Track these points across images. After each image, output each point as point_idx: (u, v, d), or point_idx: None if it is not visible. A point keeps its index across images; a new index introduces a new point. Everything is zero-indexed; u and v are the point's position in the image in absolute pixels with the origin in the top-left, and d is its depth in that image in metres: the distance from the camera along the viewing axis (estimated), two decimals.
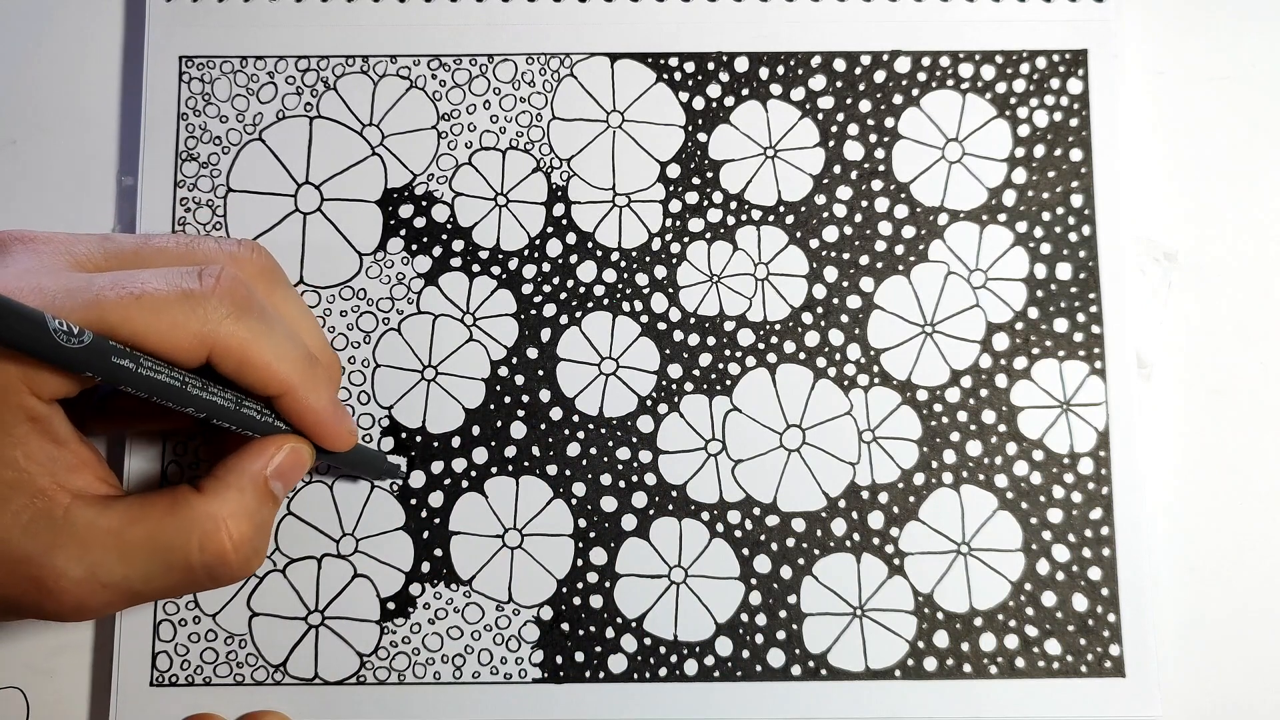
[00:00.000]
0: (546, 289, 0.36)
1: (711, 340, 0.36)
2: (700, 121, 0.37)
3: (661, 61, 0.37)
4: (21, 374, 0.27)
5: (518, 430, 0.36)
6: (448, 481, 0.36)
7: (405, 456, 0.36)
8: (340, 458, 0.33)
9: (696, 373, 0.36)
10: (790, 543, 0.35)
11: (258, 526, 0.30)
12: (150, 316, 0.27)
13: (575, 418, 0.36)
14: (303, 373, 0.30)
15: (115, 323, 0.27)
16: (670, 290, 0.36)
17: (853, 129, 0.37)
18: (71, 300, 0.27)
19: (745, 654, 0.35)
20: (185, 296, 0.28)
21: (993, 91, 0.37)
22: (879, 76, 0.37)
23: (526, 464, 0.36)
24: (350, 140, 0.37)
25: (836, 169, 0.37)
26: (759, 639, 0.35)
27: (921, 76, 0.37)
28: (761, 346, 0.36)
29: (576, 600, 0.35)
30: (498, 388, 0.36)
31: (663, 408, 0.36)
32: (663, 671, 0.35)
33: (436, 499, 0.35)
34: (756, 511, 0.35)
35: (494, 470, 0.36)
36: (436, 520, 0.35)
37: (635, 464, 0.36)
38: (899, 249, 0.37)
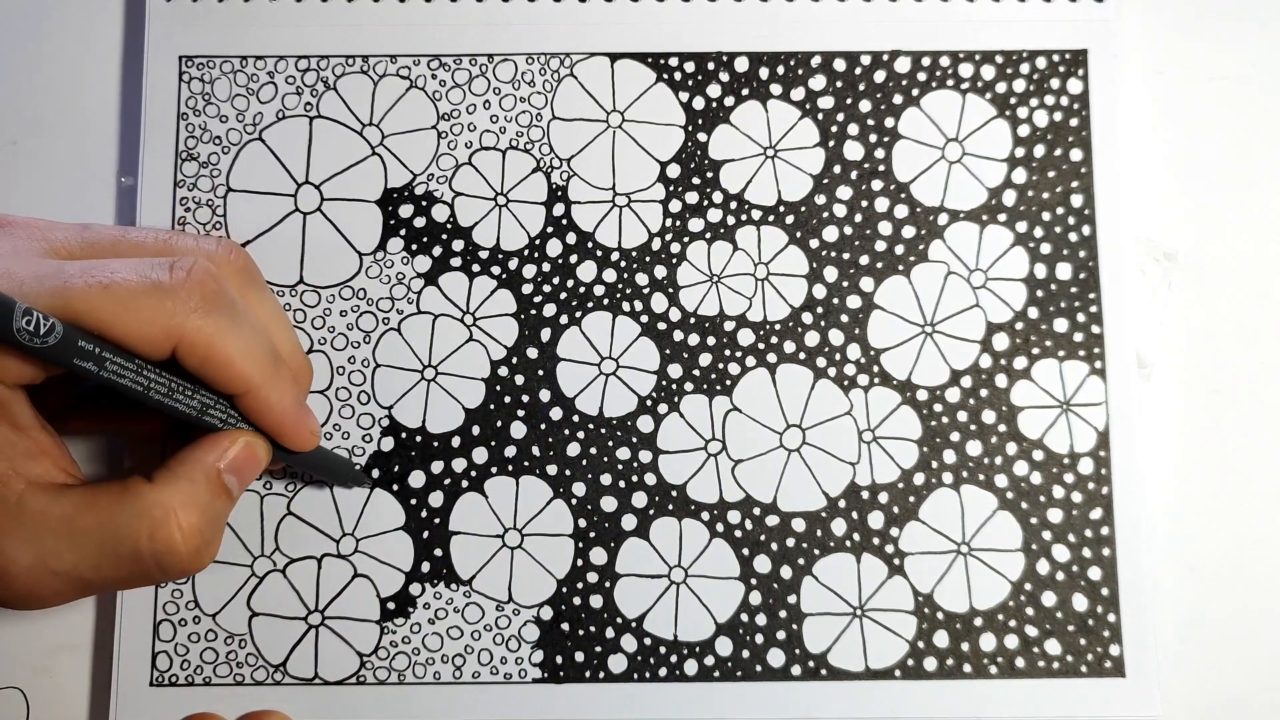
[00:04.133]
0: (546, 289, 0.36)
1: (711, 340, 0.36)
2: (700, 121, 0.37)
3: (661, 61, 0.37)
4: None
5: (518, 430, 0.36)
6: (448, 481, 0.36)
7: (405, 456, 0.36)
8: (303, 460, 0.33)
9: (696, 373, 0.36)
10: (790, 543, 0.35)
11: (209, 519, 0.29)
12: (117, 306, 0.27)
13: (575, 418, 0.36)
14: (266, 371, 0.30)
15: (81, 311, 0.27)
16: (670, 290, 0.36)
17: (853, 129, 0.37)
18: (40, 286, 0.27)
19: (745, 654, 0.35)
20: (154, 288, 0.28)
21: (993, 91, 0.37)
22: (879, 76, 0.37)
23: (526, 464, 0.36)
24: (350, 140, 0.37)
25: (836, 169, 0.37)
26: (759, 639, 0.35)
27: (921, 76, 0.37)
28: (761, 346, 0.36)
29: (576, 600, 0.35)
30: (498, 388, 0.36)
31: (663, 408, 0.36)
32: (663, 671, 0.35)
33: (436, 499, 0.35)
34: (756, 511, 0.35)
35: (494, 470, 0.36)
36: (436, 520, 0.35)
37: (635, 464, 0.36)
38: (899, 249, 0.37)
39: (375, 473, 0.35)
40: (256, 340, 0.30)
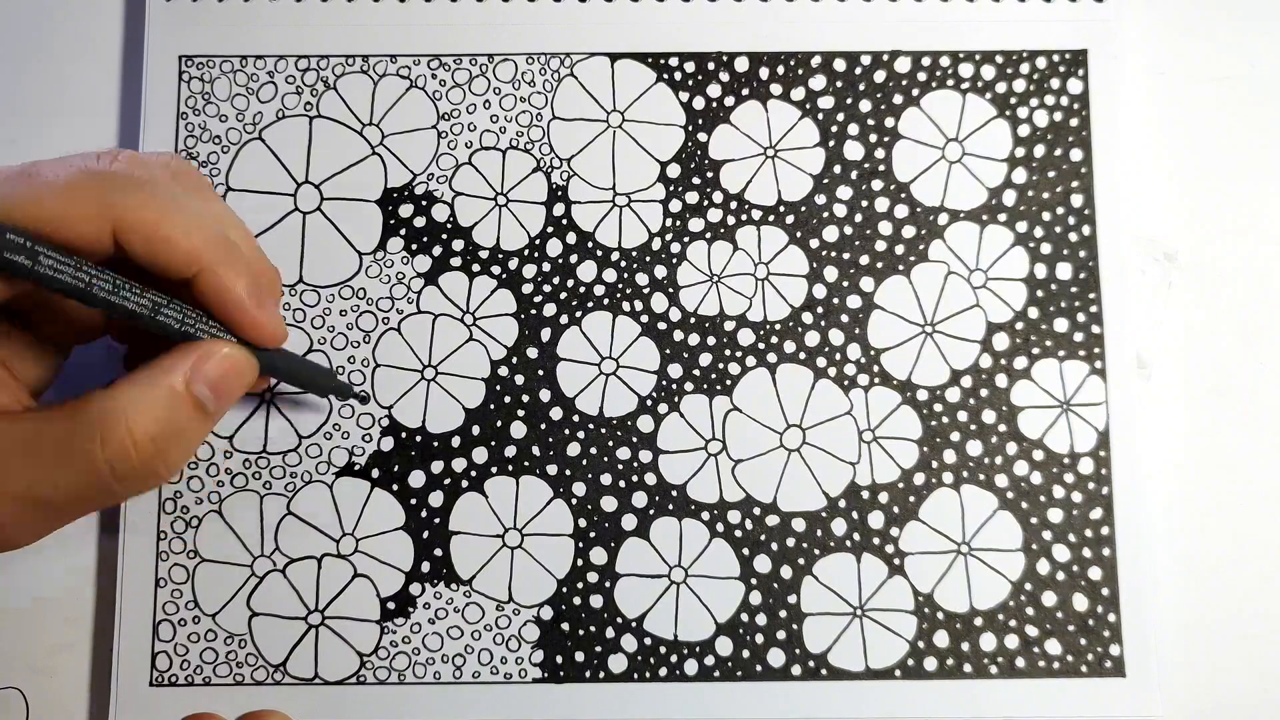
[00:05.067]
0: (546, 289, 0.36)
1: (711, 340, 0.36)
2: (700, 121, 0.37)
3: (661, 61, 0.37)
4: None
5: (518, 430, 0.36)
6: (448, 481, 0.36)
7: (405, 456, 0.36)
8: (282, 369, 0.31)
9: (696, 373, 0.36)
10: (790, 543, 0.35)
11: (164, 425, 0.28)
12: (47, 197, 0.26)
13: (575, 418, 0.36)
14: (217, 252, 0.28)
15: (12, 205, 0.26)
16: (670, 290, 0.36)
17: (853, 129, 0.37)
18: None
19: (745, 654, 0.35)
20: (84, 173, 0.27)
21: (993, 91, 0.37)
22: (879, 76, 0.37)
23: (526, 464, 0.36)
24: (350, 140, 0.37)
25: (836, 169, 0.37)
26: (759, 639, 0.35)
27: (921, 76, 0.37)
28: (761, 346, 0.36)
29: (576, 600, 0.35)
30: (498, 388, 0.36)
31: (663, 408, 0.36)
32: (663, 671, 0.35)
33: (436, 499, 0.35)
34: (756, 511, 0.35)
35: (494, 470, 0.36)
36: (436, 520, 0.35)
37: (635, 464, 0.36)
38: (899, 249, 0.37)
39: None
40: (202, 220, 0.28)
